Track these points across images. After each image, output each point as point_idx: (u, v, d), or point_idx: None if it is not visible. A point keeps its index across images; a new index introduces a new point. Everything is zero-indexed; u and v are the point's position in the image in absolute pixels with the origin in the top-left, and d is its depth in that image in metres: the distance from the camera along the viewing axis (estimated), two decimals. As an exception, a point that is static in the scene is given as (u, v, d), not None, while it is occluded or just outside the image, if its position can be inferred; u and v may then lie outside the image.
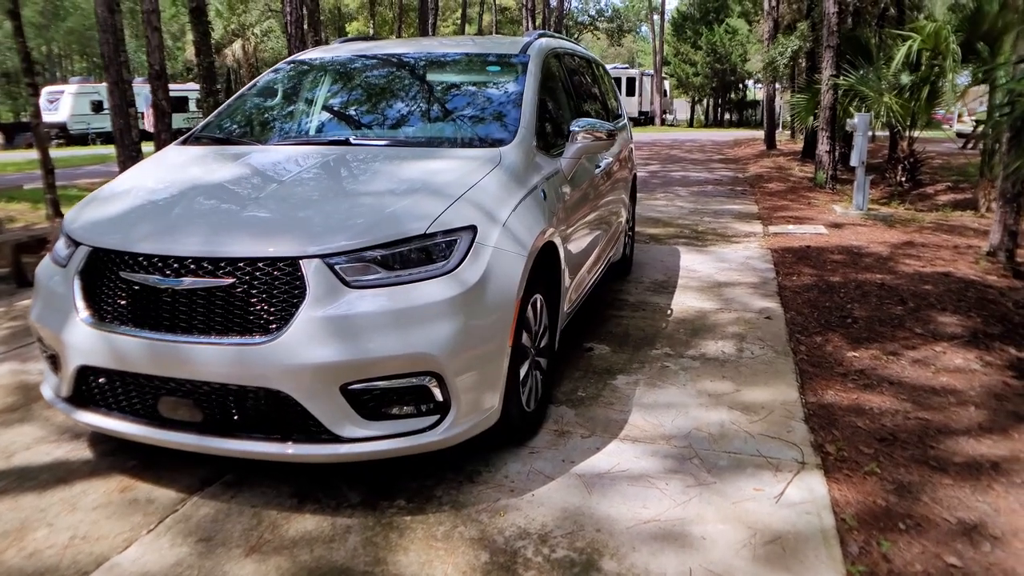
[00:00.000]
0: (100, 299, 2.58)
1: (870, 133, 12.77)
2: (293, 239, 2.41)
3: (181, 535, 2.42)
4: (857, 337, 4.48)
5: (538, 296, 3.02)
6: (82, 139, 26.88)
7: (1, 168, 17.06)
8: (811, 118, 12.84)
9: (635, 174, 5.90)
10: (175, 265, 2.45)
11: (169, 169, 3.13)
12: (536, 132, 3.40)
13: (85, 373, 2.62)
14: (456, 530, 2.43)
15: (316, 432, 2.40)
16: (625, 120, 6.00)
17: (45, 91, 25.87)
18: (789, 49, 14.41)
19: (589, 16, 51.23)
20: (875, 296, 5.39)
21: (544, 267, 3.13)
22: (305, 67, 4.03)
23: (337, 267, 2.38)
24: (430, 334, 2.38)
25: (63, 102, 26.71)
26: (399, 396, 2.44)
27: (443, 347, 2.39)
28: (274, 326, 2.36)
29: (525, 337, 2.90)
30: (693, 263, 6.46)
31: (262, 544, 2.37)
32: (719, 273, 6.07)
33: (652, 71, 46.26)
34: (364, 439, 2.42)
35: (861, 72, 10.82)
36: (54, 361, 2.74)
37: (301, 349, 2.32)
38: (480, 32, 42.43)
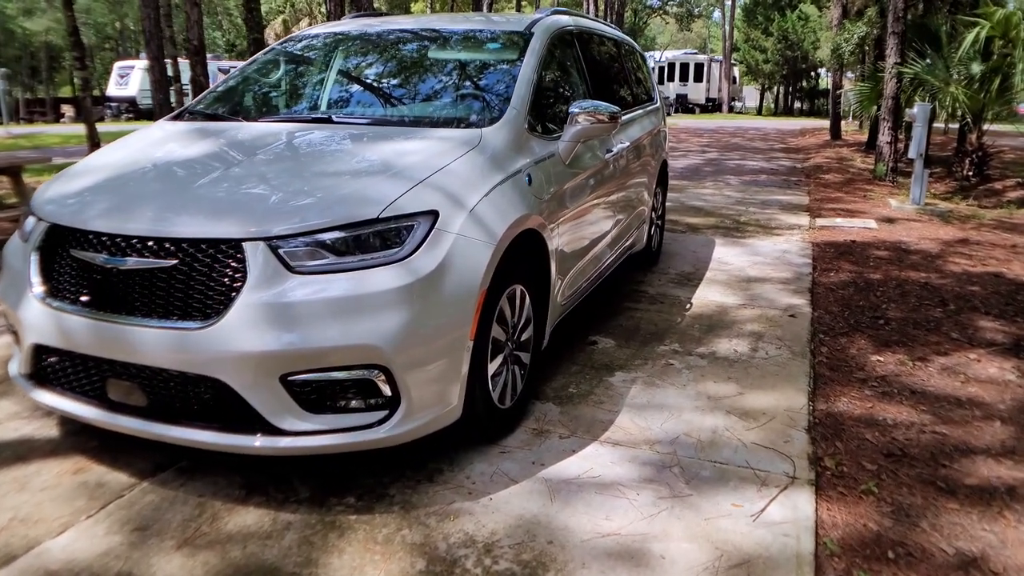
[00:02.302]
0: (54, 277, 2.52)
1: (940, 125, 12.05)
2: (237, 220, 2.29)
3: (119, 523, 2.35)
4: (886, 340, 4.17)
5: (517, 287, 2.84)
6: (150, 114, 27.72)
7: (49, 141, 17.57)
8: (874, 108, 12.18)
9: (665, 160, 5.62)
10: (122, 244, 2.36)
11: (145, 145, 3.06)
12: (533, 113, 3.21)
13: (39, 351, 2.57)
14: (399, 533, 2.29)
15: (256, 423, 2.28)
16: (657, 104, 5.73)
17: (116, 66, 26.68)
18: (855, 36, 13.69)
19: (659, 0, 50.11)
20: (914, 296, 5.03)
21: (527, 256, 2.94)
22: (305, 43, 3.92)
23: (281, 251, 2.24)
24: (377, 325, 2.23)
25: (133, 77, 27.42)
26: (344, 389, 2.31)
27: (390, 339, 2.23)
28: (213, 311, 2.24)
29: (498, 330, 2.73)
30: (727, 255, 6.16)
31: (196, 537, 2.27)
32: (752, 267, 5.76)
33: (721, 57, 45.12)
34: (306, 433, 2.29)
35: (927, 60, 10.18)
36: (16, 337, 2.70)
37: (239, 336, 2.20)
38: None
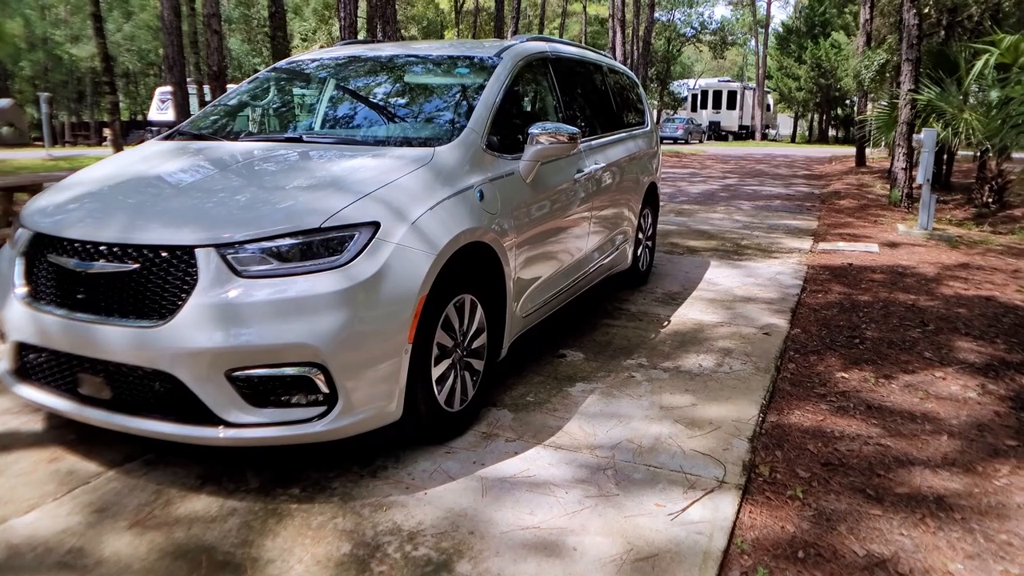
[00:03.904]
0: (34, 280, 2.76)
1: (969, 153, 11.92)
2: (192, 229, 2.51)
3: (81, 505, 2.55)
4: (857, 358, 4.23)
5: (467, 297, 3.01)
6: None
7: (85, 163, 18.24)
8: (892, 134, 12.16)
9: (654, 182, 5.75)
10: (91, 250, 2.59)
11: (130, 162, 3.31)
12: (498, 133, 3.40)
13: (21, 348, 2.80)
14: (333, 521, 2.45)
15: (204, 416, 2.47)
16: (648, 128, 5.88)
17: (158, 92, 27.65)
18: (876, 63, 13.70)
19: (692, 28, 50.31)
20: (897, 317, 5.07)
21: (479, 268, 3.11)
22: (292, 69, 4.18)
23: (229, 256, 2.45)
24: (315, 326, 2.41)
25: (173, 103, 28.41)
26: (284, 385, 2.49)
27: (327, 339, 2.42)
28: (168, 311, 2.45)
29: (445, 336, 2.90)
30: (718, 276, 6.26)
31: (148, 519, 2.46)
32: (740, 287, 5.85)
33: (754, 85, 45.10)
34: (249, 425, 2.47)
35: (941, 88, 10.18)
36: (3, 337, 2.95)
37: (189, 334, 2.40)
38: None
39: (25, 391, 2.84)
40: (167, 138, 3.77)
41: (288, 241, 2.49)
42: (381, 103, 3.69)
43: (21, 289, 2.77)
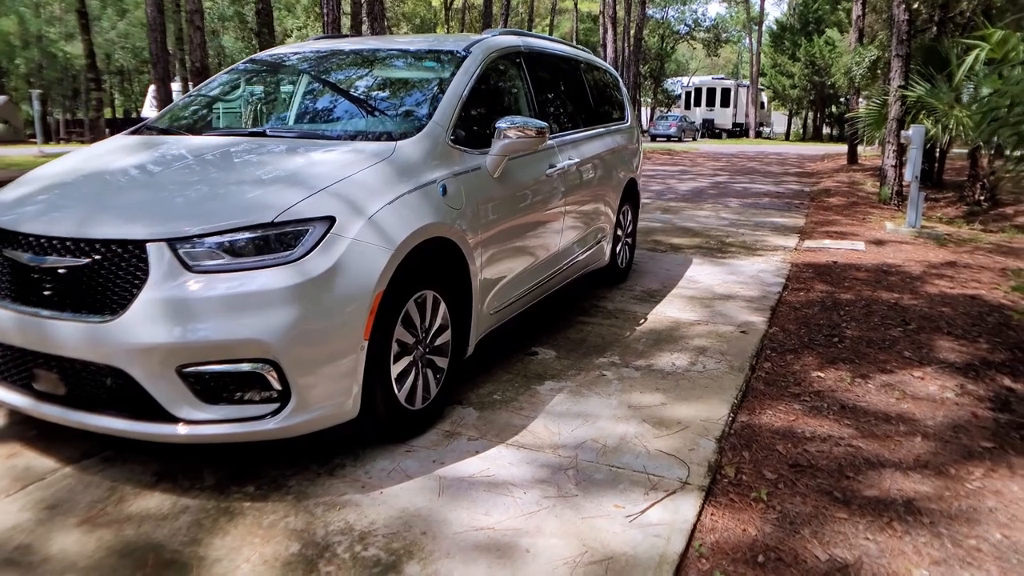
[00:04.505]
0: (-8, 275, 2.71)
1: (963, 150, 11.90)
2: (144, 223, 2.46)
3: (33, 502, 2.50)
4: (834, 357, 4.20)
5: (428, 293, 2.96)
6: None
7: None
8: (882, 131, 12.13)
9: (634, 179, 5.71)
10: (45, 244, 2.54)
11: (92, 156, 3.26)
12: (463, 127, 3.35)
13: (-23, 343, 2.75)
14: (284, 520, 2.41)
15: (156, 412, 2.43)
16: (628, 124, 5.84)
17: (151, 89, 27.63)
18: (866, 59, 13.66)
19: (686, 26, 50.26)
20: (879, 316, 5.04)
21: (441, 264, 3.07)
22: (262, 63, 4.12)
23: (180, 251, 2.40)
24: (266, 321, 2.37)
25: (157, 98, 28.41)
26: (236, 382, 2.44)
27: (278, 335, 2.37)
28: (119, 306, 2.41)
29: (405, 333, 2.85)
30: (699, 274, 6.22)
31: (99, 516, 2.42)
32: (721, 285, 5.81)
33: (748, 82, 45.08)
34: (202, 422, 2.43)
35: (932, 84, 10.15)
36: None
37: (139, 329, 2.36)
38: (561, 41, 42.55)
39: (-20, 386, 2.80)
40: (133, 132, 3.71)
41: (240, 235, 2.44)
42: (348, 97, 3.64)
43: (-22, 285, 2.72)
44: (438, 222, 2.94)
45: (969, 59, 9.21)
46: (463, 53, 3.63)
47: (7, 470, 2.73)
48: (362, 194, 2.69)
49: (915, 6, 10.04)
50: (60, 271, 2.50)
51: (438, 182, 3.03)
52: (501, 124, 3.35)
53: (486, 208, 3.34)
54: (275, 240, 2.47)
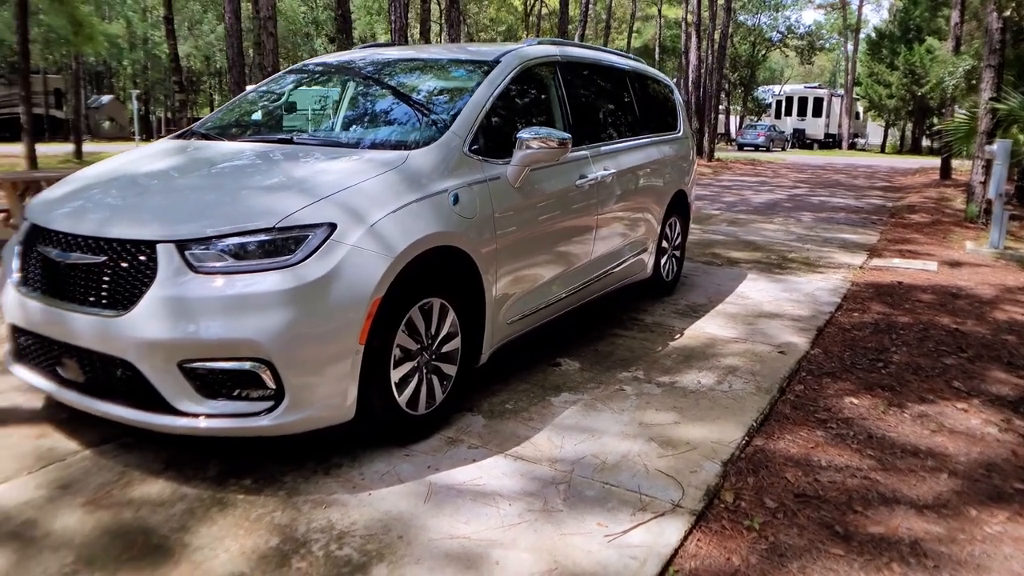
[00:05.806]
0: (26, 268, 2.92)
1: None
2: (156, 225, 2.61)
3: (49, 480, 2.68)
4: (874, 383, 4.02)
5: (435, 300, 3.00)
6: None
7: None
8: (972, 145, 11.50)
9: (682, 190, 5.61)
10: (70, 241, 2.72)
11: (130, 160, 3.45)
12: (485, 137, 3.38)
13: (15, 331, 2.96)
14: (271, 514, 2.49)
15: (159, 403, 2.56)
16: (679, 134, 5.74)
17: (247, 89, 28.94)
18: (960, 69, 12.96)
19: (779, 33, 48.82)
20: (934, 341, 4.79)
21: (451, 272, 3.10)
22: (305, 71, 4.27)
23: (186, 252, 2.53)
24: (261, 322, 2.46)
25: None
26: (233, 379, 2.55)
27: (272, 336, 2.46)
28: (129, 302, 2.55)
29: (408, 339, 2.90)
30: (751, 290, 6.05)
31: (104, 498, 2.56)
32: (771, 302, 5.64)
33: (842, 92, 43.48)
34: (199, 415, 2.54)
35: (1026, 95, 9.58)
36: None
37: (145, 324, 2.49)
38: (645, 48, 41.99)
39: (19, 371, 3.01)
40: (178, 137, 3.91)
41: (243, 239, 2.55)
42: (374, 106, 3.73)
43: (16, 275, 2.94)
44: (445, 231, 2.98)
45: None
46: (492, 63, 3.67)
47: (33, 449, 2.92)
48: (366, 202, 2.76)
49: (1007, 13, 9.48)
50: (81, 267, 2.67)
51: (449, 191, 3.07)
52: (523, 135, 3.37)
53: (504, 218, 3.35)
54: (276, 244, 2.56)
